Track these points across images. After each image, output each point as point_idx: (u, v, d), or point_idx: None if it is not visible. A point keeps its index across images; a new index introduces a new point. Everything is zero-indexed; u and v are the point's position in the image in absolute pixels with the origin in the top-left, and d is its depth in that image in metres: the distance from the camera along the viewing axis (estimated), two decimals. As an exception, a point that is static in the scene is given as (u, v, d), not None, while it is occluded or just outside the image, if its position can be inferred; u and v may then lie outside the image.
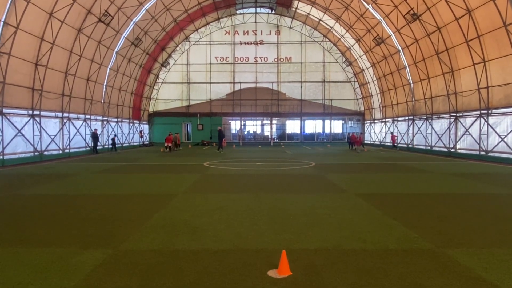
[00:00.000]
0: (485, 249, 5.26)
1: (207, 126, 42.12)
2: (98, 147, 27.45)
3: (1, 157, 17.91)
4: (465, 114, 23.32)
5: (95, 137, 27.09)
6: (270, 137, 44.12)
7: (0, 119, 17.93)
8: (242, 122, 44.94)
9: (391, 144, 32.76)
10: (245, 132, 45.86)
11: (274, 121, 44.88)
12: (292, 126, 45.62)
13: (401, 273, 4.41)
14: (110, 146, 30.28)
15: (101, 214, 7.53)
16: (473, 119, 22.37)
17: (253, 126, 46.93)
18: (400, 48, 29.95)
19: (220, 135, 29.67)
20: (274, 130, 45.19)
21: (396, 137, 32.52)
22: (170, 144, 28.57)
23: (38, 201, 9.03)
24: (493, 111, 20.48)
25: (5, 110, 18.27)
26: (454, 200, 9.09)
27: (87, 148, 26.96)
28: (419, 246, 5.41)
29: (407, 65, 30.11)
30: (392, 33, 29.75)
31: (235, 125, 45.57)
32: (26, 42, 19.20)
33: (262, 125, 46.27)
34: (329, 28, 38.84)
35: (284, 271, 4.34)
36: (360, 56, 37.80)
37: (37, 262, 4.76)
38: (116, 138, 30.88)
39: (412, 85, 30.41)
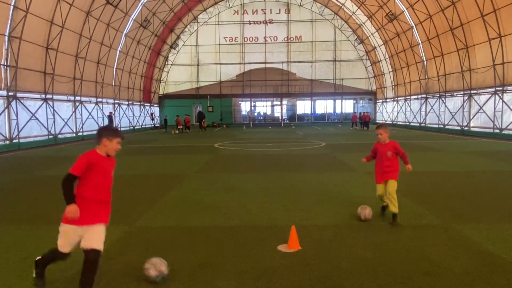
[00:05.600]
0: (495, 225, 5.28)
1: (217, 107, 42.16)
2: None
3: (17, 140, 18.33)
4: (479, 91, 22.83)
5: (110, 120, 27.45)
6: (280, 118, 44.00)
7: (14, 103, 18.27)
8: (252, 103, 44.84)
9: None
10: (255, 113, 45.79)
11: (284, 102, 44.65)
12: (303, 107, 45.36)
13: (409, 247, 4.48)
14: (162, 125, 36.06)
15: (116, 193, 7.71)
16: (488, 96, 21.90)
17: (263, 107, 46.81)
18: (413, 25, 29.19)
19: (199, 116, 31.78)
20: (284, 111, 45.01)
21: (361, 116, 32.70)
22: (181, 126, 31.07)
23: (55, 182, 9.28)
24: (509, 87, 20.00)
25: (18, 94, 18.58)
26: (465, 178, 9.05)
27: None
28: (428, 222, 5.46)
29: (420, 42, 29.39)
30: (405, 8, 28.96)
31: (245, 106, 45.53)
32: (36, 26, 19.30)
33: (272, 106, 46.10)
34: (340, 5, 37.96)
35: (294, 246, 4.46)
36: (372, 34, 36.99)
37: (57, 238, 4.95)
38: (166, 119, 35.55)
39: (425, 62, 29.77)
